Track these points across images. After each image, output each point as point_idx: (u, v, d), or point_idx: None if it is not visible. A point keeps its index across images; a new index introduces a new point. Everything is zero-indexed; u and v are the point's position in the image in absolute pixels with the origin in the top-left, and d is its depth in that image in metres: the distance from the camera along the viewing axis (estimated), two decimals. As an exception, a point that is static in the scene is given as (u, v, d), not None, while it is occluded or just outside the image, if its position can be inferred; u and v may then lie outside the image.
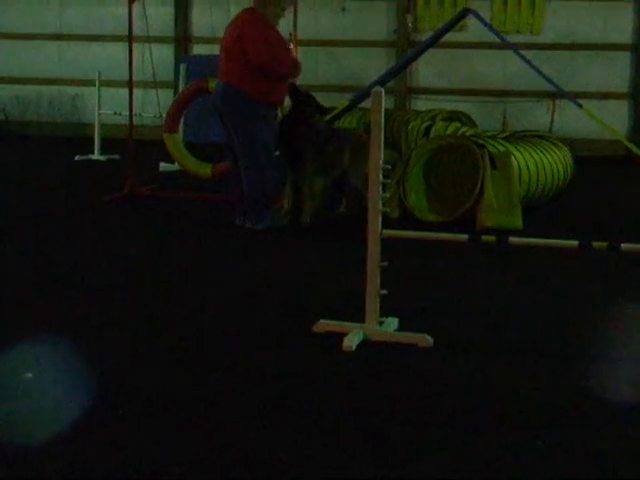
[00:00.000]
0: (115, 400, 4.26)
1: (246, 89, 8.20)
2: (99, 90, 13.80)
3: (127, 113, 10.80)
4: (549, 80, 12.16)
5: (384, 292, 5.20)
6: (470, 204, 8.65)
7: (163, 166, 12.29)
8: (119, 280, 6.55)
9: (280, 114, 9.10)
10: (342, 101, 10.69)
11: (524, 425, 4.09)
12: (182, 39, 16.85)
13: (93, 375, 4.55)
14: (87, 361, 4.73)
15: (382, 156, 5.11)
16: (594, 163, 13.76)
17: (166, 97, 14.12)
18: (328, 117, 9.38)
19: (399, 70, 13.55)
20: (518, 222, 8.56)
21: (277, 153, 8.68)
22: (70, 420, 3.98)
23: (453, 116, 14.25)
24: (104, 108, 14.00)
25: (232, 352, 5.01)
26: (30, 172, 12.15)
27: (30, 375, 4.52)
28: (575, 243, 5.16)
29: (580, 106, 12.40)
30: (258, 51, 8.14)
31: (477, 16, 11.94)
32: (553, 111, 15.72)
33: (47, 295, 6.08)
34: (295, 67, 8.50)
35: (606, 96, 15.80)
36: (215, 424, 4.02)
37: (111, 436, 3.87)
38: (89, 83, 15.24)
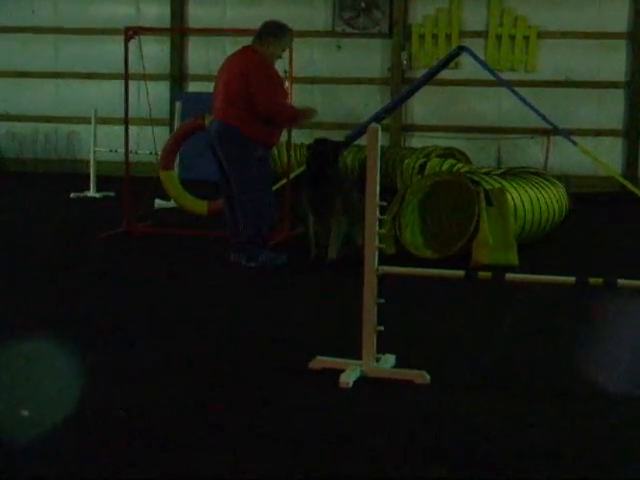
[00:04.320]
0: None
1: (243, 129, 8.19)
2: (95, 127, 13.83)
3: (122, 150, 10.82)
4: (543, 117, 12.27)
5: (381, 329, 5.19)
6: (465, 241, 8.66)
7: (158, 203, 12.31)
8: (115, 318, 6.53)
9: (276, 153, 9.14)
10: (338, 138, 10.72)
11: (523, 465, 4.07)
12: (178, 77, 16.93)
13: (92, 414, 4.54)
14: (82, 402, 4.72)
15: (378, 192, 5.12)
16: (589, 199, 13.79)
17: (162, 134, 14.12)
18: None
19: (394, 107, 13.64)
20: (514, 259, 8.56)
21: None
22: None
23: (448, 153, 14.33)
24: (100, 145, 14.02)
25: (229, 388, 4.99)
26: (25, 209, 12.15)
27: (26, 413, 4.49)
28: (572, 279, 5.15)
29: (574, 143, 12.50)
30: (267, 101, 8.14)
31: (471, 54, 12.04)
32: (548, 148, 15.79)
33: (41, 332, 6.05)
34: (296, 118, 8.51)
35: (600, 133, 15.91)
36: (211, 460, 4.00)
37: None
38: (85, 120, 15.28)
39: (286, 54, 8.92)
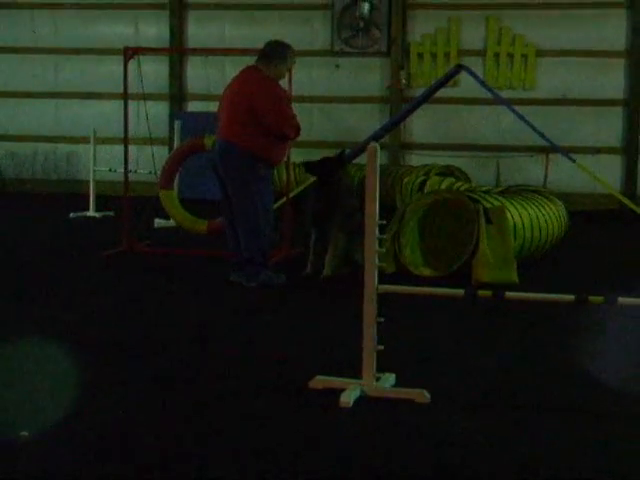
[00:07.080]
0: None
1: (246, 147, 8.19)
2: (94, 147, 13.83)
3: (122, 170, 10.83)
4: (542, 135, 12.28)
5: (381, 348, 5.18)
6: (465, 259, 8.66)
7: (158, 222, 12.31)
8: (117, 337, 6.52)
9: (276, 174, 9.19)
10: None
11: (523, 481, 4.07)
12: (177, 96, 16.96)
13: (89, 434, 4.53)
14: (82, 420, 4.71)
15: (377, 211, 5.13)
16: (588, 217, 13.80)
17: (161, 154, 14.16)
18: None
19: (393, 125, 13.65)
20: (513, 277, 8.56)
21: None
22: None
23: (447, 171, 14.35)
24: (99, 165, 14.03)
25: (229, 408, 4.99)
26: (25, 229, 12.15)
27: (26, 434, 4.48)
28: (571, 297, 5.15)
29: (573, 161, 12.50)
30: (278, 116, 8.16)
31: (470, 72, 12.06)
32: (547, 166, 15.81)
33: (40, 348, 6.04)
34: (299, 130, 8.54)
35: (599, 151, 15.91)
36: (208, 475, 4.00)
37: None
38: (84, 140, 15.30)
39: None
